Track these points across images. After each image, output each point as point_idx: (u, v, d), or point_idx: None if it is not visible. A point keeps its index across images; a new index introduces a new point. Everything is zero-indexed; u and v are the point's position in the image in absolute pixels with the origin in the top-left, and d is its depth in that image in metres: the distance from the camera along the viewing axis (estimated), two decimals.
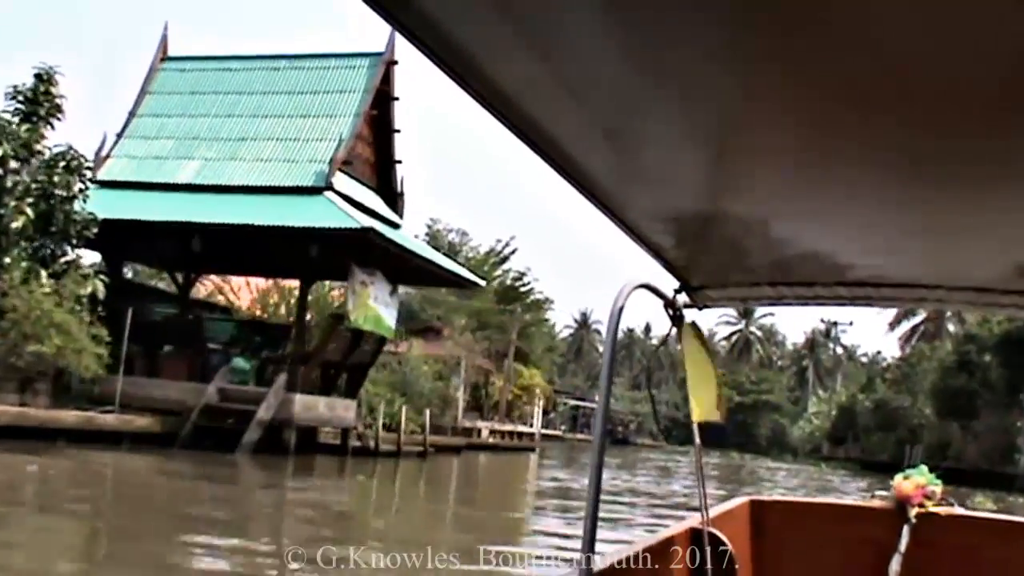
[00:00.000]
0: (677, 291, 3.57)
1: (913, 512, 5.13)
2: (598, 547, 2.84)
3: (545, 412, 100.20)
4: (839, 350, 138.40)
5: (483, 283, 44.63)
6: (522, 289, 78.82)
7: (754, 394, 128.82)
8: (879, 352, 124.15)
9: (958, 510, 5.28)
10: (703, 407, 3.71)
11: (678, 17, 1.69)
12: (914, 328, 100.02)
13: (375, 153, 36.15)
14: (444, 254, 74.05)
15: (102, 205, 31.19)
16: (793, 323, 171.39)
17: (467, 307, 67.61)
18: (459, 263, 75.99)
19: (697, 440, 3.87)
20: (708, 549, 4.12)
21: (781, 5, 1.61)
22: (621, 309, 2.76)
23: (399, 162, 36.89)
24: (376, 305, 33.85)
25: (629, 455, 70.60)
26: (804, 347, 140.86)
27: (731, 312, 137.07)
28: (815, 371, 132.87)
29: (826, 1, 1.58)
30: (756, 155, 2.40)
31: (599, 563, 3.22)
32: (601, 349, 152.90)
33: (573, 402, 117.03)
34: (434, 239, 73.76)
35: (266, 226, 30.03)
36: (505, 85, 2.08)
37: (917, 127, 2.05)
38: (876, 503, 5.41)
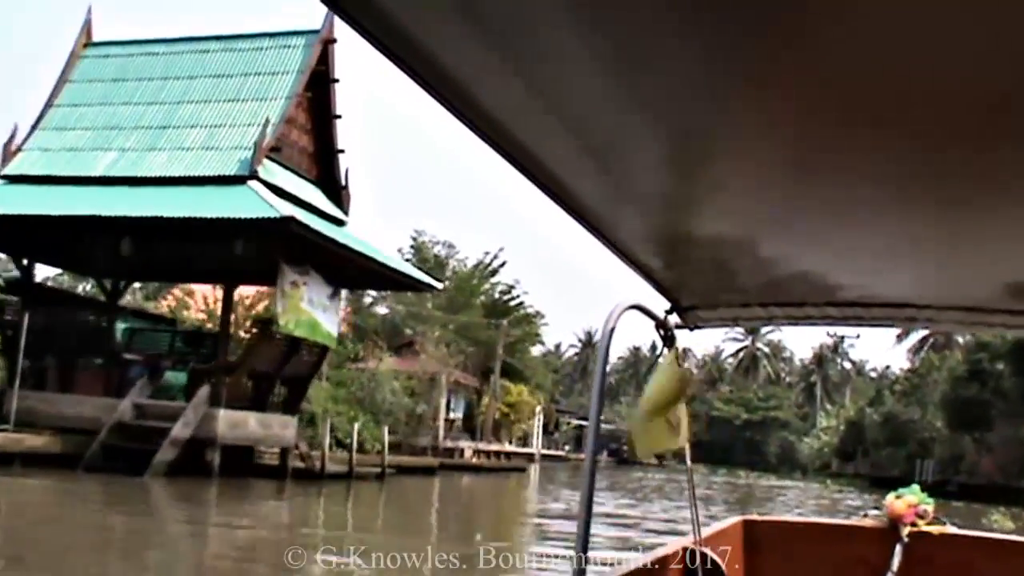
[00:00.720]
0: (668, 312, 3.55)
1: (906, 531, 5.18)
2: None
3: (547, 431, 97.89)
4: (847, 365, 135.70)
5: (439, 285, 39.80)
6: (511, 303, 75.19)
7: (762, 411, 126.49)
8: (888, 367, 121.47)
9: (950, 529, 5.32)
10: (684, 432, 3.56)
11: (663, 40, 1.70)
12: (923, 339, 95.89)
13: (314, 141, 32.19)
14: (429, 268, 71.25)
15: (6, 201, 28.19)
16: (801, 339, 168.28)
17: (453, 321, 64.10)
18: (447, 277, 72.97)
19: (688, 461, 3.97)
20: (700, 569, 4.17)
21: (766, 27, 1.60)
22: (612, 330, 2.74)
23: (341, 151, 32.90)
24: (311, 309, 29.88)
25: (622, 476, 66.54)
26: (812, 362, 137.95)
27: (738, 328, 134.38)
28: (823, 386, 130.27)
29: (812, 24, 1.57)
30: (744, 176, 2.36)
31: None
32: (609, 369, 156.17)
33: (577, 421, 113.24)
34: (419, 252, 70.86)
35: (174, 218, 26.31)
36: (493, 110, 2.06)
37: (905, 147, 2.03)
38: (868, 522, 5.45)
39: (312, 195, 31.46)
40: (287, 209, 26.84)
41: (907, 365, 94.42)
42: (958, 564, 5.07)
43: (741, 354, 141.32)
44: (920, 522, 5.19)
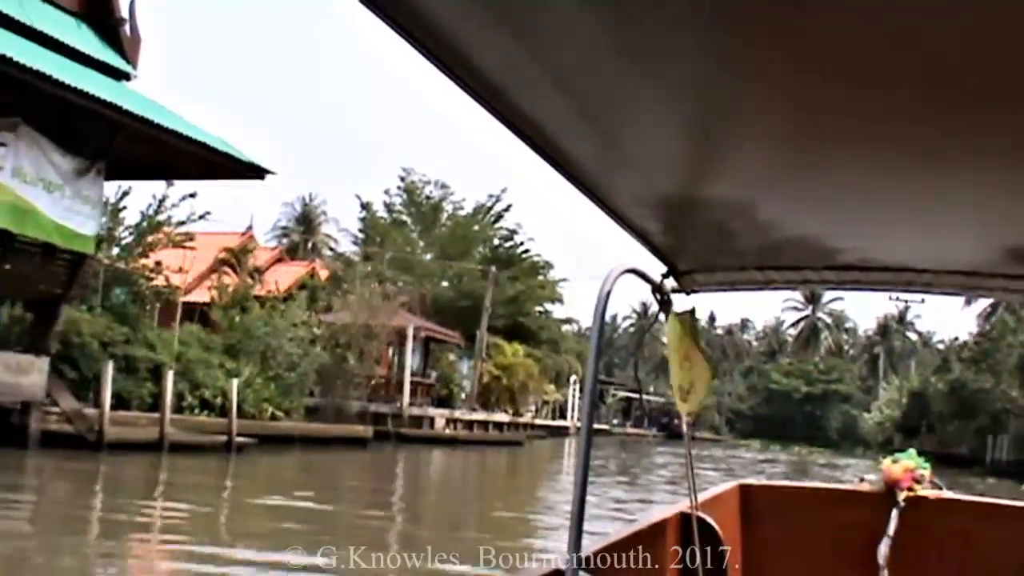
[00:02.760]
0: (665, 276, 3.50)
1: (902, 496, 5.16)
2: None
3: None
4: (913, 336, 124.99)
5: (273, 171, 26.12)
6: (513, 250, 64.65)
7: (823, 384, 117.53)
8: (956, 338, 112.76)
9: (947, 493, 5.31)
10: (693, 398, 3.60)
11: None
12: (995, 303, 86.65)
13: None
14: (422, 212, 59.98)
15: None
16: (864, 308, 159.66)
17: (445, 272, 55.24)
18: (441, 223, 61.64)
19: (686, 428, 4.07)
20: (697, 533, 4.15)
21: None
22: (608, 294, 2.62)
23: None
24: (17, 186, 19.55)
25: (672, 451, 58.18)
26: (876, 333, 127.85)
27: (798, 297, 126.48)
28: (887, 359, 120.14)
29: None
30: (742, 139, 2.35)
31: (588, 548, 3.21)
32: (663, 340, 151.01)
33: (624, 393, 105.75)
34: (410, 194, 61.62)
35: None
36: (489, 72, 2.01)
37: (905, 111, 2.01)
38: (865, 487, 5.42)
39: (68, 32, 21.35)
40: None
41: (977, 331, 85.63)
42: (955, 528, 5.10)
43: (801, 324, 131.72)
44: (917, 487, 5.21)
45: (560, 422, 75.82)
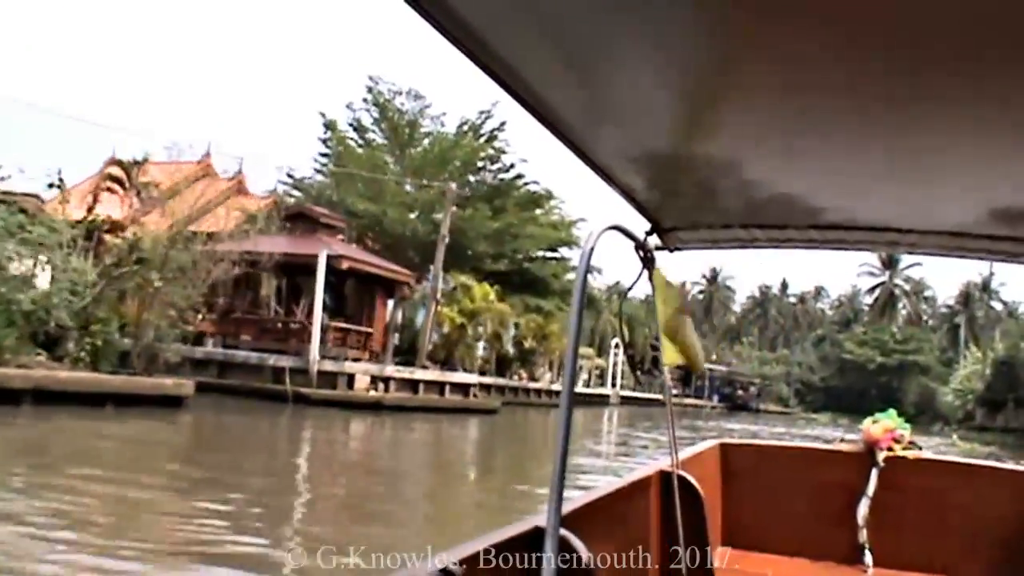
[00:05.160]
0: (648, 233, 3.44)
1: (881, 456, 5.30)
2: None
3: (642, 370, 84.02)
4: (998, 306, 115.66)
5: None
6: (503, 174, 52.61)
7: (899, 354, 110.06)
8: None
9: (926, 454, 5.46)
10: (674, 353, 3.44)
11: None
12: None
13: None
14: (395, 130, 49.36)
15: None
16: (944, 275, 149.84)
17: (410, 199, 45.68)
18: (417, 139, 50.76)
19: (667, 382, 3.89)
20: (677, 491, 4.06)
21: None
22: (591, 250, 2.58)
23: None
24: None
25: (735, 424, 49.00)
26: (957, 302, 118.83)
27: (873, 261, 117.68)
28: (969, 329, 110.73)
29: None
30: (728, 95, 2.30)
31: (570, 504, 3.19)
32: (736, 308, 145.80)
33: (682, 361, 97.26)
34: (382, 109, 50.43)
35: None
36: (472, 20, 1.93)
37: (891, 69, 1.98)
38: (845, 447, 5.57)
39: None
40: None
41: None
42: (932, 488, 5.23)
43: (877, 291, 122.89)
44: (896, 447, 5.32)
45: (599, 390, 68.05)
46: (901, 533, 5.21)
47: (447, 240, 42.01)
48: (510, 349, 49.75)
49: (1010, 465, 5.69)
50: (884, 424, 5.42)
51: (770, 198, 3.18)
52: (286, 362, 32.60)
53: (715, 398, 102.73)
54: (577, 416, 47.72)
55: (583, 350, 63.35)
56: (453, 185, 43.21)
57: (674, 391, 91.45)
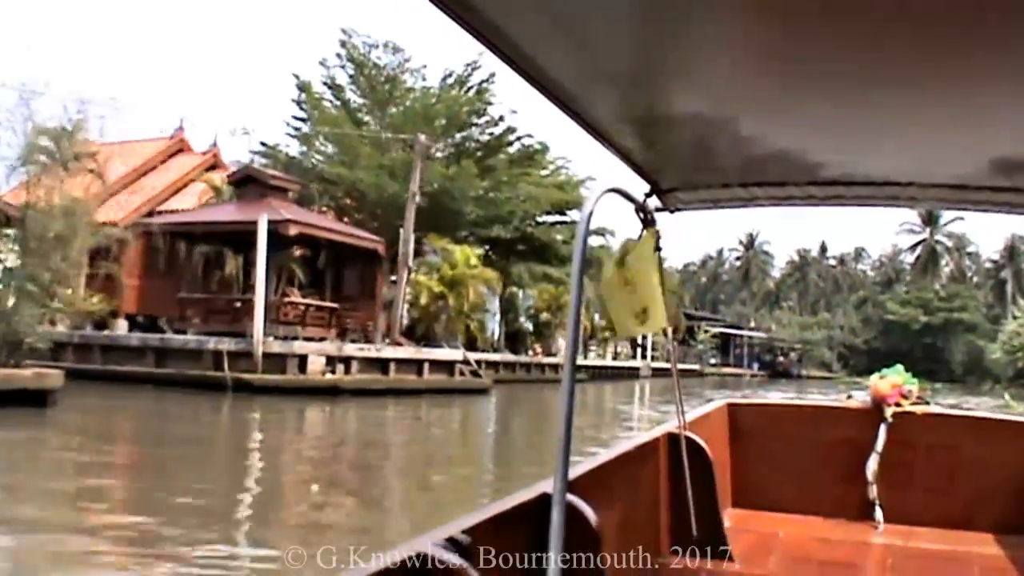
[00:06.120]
0: (648, 195, 3.46)
1: (889, 411, 5.25)
2: None
3: (679, 340, 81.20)
4: None
5: None
6: (491, 129, 47.47)
7: (944, 313, 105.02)
8: None
9: (934, 408, 5.40)
10: (657, 317, 3.35)
11: None
12: None
13: None
14: (373, 87, 45.09)
15: None
16: (988, 229, 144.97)
17: (388, 161, 40.94)
18: (396, 98, 46.20)
19: (671, 345, 4.13)
20: (685, 452, 4.15)
21: None
22: (591, 214, 2.58)
23: None
24: None
25: (777, 391, 45.13)
26: (1003, 256, 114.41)
27: (913, 218, 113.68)
28: (1016, 284, 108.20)
29: None
30: (722, 52, 2.24)
31: (577, 470, 3.18)
32: (775, 273, 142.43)
33: (719, 330, 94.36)
34: (359, 66, 45.96)
35: None
36: None
37: (888, 21, 1.93)
38: (852, 403, 5.54)
39: None
40: None
41: None
42: (941, 443, 5.20)
43: (919, 249, 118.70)
44: (904, 402, 5.26)
45: (629, 362, 64.97)
46: (911, 488, 5.23)
47: (418, 199, 37.43)
48: (523, 322, 46.44)
49: (1019, 417, 5.57)
50: (891, 380, 5.36)
51: (768, 156, 3.13)
52: (226, 345, 28.05)
53: (755, 366, 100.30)
54: (605, 390, 44.74)
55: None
56: (423, 136, 38.64)
57: (712, 360, 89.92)
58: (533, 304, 48.17)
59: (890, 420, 5.20)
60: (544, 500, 2.67)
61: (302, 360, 29.10)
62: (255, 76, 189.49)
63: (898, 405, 5.24)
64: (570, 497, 2.55)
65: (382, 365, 32.23)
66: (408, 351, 34.33)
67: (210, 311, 31.01)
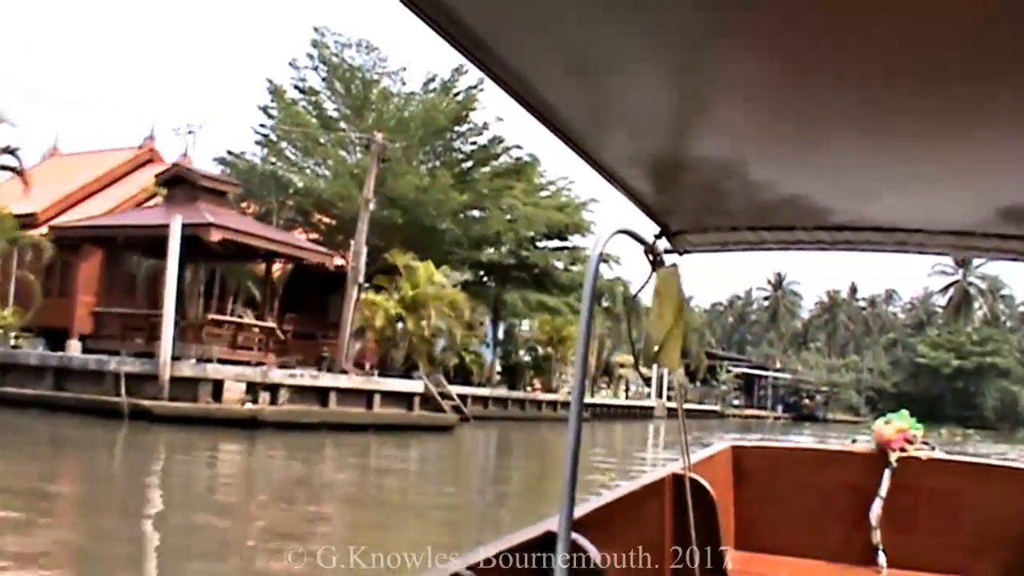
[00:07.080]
0: (657, 236, 3.36)
1: (894, 456, 5.13)
2: None
3: (699, 380, 77.75)
4: None
5: None
6: (477, 138, 43.87)
7: (977, 357, 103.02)
8: None
9: (938, 454, 5.25)
10: (670, 356, 3.31)
11: None
12: None
13: None
14: (349, 90, 41.87)
15: None
16: (1022, 271, 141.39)
17: (352, 169, 37.78)
18: (372, 104, 43.01)
19: (677, 385, 4.30)
20: (689, 494, 4.03)
21: None
22: (600, 256, 2.66)
23: None
24: None
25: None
26: None
27: (946, 260, 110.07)
28: None
29: None
30: (733, 97, 2.24)
31: (581, 508, 3.21)
32: (803, 315, 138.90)
33: (740, 369, 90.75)
34: (332, 68, 42.64)
35: None
36: (475, 25, 1.91)
37: (897, 69, 1.94)
38: (857, 448, 5.41)
39: None
40: None
41: None
42: (946, 488, 5.09)
43: (951, 291, 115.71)
44: (909, 447, 5.15)
45: (643, 401, 61.22)
46: (915, 534, 5.15)
47: (372, 206, 33.66)
48: (522, 355, 42.79)
49: (1022, 464, 5.54)
50: (896, 424, 5.28)
51: (778, 200, 3.12)
52: (128, 367, 24.60)
53: (779, 408, 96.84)
54: (614, 431, 41.05)
55: (623, 358, 56.53)
56: (379, 135, 34.84)
57: (736, 401, 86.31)
58: (532, 336, 44.52)
59: (894, 465, 5.12)
60: (548, 537, 2.81)
61: (217, 386, 25.27)
62: (234, 80, 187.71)
63: (902, 450, 5.15)
64: (574, 535, 2.61)
65: (320, 395, 28.21)
66: (354, 380, 30.07)
67: (126, 327, 27.70)
